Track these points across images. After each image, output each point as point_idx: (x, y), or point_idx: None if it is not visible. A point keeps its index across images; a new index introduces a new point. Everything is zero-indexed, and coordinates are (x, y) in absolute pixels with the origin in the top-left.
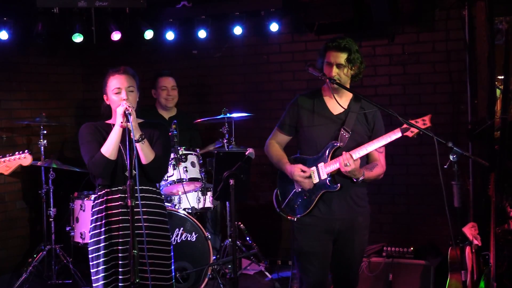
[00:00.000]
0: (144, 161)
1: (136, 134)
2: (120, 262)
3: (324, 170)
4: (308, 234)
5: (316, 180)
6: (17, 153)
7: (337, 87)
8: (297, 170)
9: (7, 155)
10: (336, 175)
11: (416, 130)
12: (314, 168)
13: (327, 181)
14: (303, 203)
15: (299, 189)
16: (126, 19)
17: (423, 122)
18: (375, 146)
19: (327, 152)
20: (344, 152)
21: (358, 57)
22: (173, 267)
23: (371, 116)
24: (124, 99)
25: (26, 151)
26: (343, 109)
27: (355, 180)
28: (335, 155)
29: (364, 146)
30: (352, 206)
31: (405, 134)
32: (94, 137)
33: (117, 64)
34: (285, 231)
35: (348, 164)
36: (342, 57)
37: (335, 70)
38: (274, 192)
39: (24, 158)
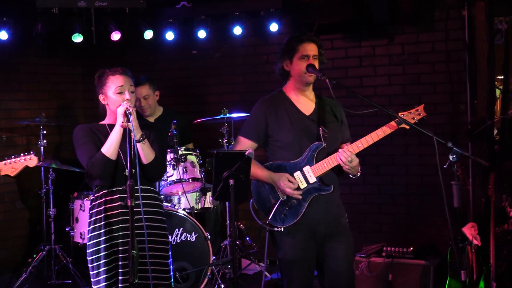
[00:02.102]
0: (144, 161)
1: (137, 134)
2: (120, 263)
3: (312, 173)
4: (293, 242)
5: (304, 185)
6: (22, 154)
7: (312, 82)
8: (285, 181)
9: (12, 156)
10: (324, 177)
11: (412, 121)
12: (298, 172)
13: (317, 184)
14: (292, 211)
15: (285, 197)
16: (125, 19)
17: (418, 113)
18: (370, 140)
19: (312, 153)
20: (341, 150)
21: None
22: (171, 266)
23: (337, 111)
24: (127, 99)
25: (31, 152)
26: (312, 109)
27: (352, 176)
28: (318, 156)
29: (360, 140)
30: (335, 207)
31: (401, 126)
32: (90, 139)
33: (117, 64)
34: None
35: (352, 159)
36: (316, 49)
37: (313, 62)
38: (250, 204)
39: (30, 160)
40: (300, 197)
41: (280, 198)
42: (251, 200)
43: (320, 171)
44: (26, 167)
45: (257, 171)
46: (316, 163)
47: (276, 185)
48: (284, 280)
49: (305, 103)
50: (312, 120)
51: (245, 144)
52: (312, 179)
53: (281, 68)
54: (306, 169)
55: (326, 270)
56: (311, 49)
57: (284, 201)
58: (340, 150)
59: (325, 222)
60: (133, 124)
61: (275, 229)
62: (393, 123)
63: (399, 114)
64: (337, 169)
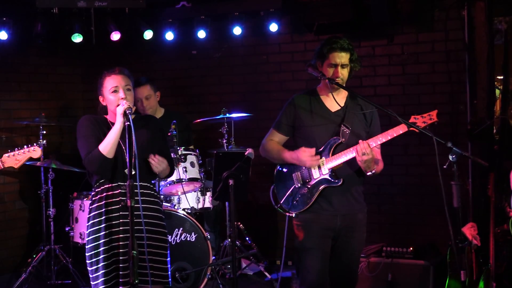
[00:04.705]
0: (161, 176)
1: (159, 167)
2: (120, 258)
3: (326, 165)
4: (310, 231)
5: (316, 175)
6: (25, 146)
7: (334, 89)
8: (302, 151)
9: (16, 149)
10: (337, 171)
11: (422, 125)
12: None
13: (329, 176)
14: (302, 199)
15: (298, 185)
16: (125, 19)
17: (430, 117)
18: (382, 140)
19: (329, 147)
20: (361, 141)
21: (357, 57)
22: (169, 265)
23: (368, 114)
24: (122, 98)
25: (34, 144)
26: (340, 107)
27: (368, 173)
28: (336, 150)
29: (373, 138)
30: (352, 202)
31: (411, 128)
32: (93, 132)
33: (117, 65)
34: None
35: (366, 153)
36: (346, 57)
37: (340, 71)
38: (270, 189)
39: (34, 151)
40: (319, 162)
41: (294, 185)
42: (272, 186)
43: (333, 163)
44: (30, 159)
45: (285, 153)
46: (331, 157)
47: (298, 158)
48: (299, 268)
49: (334, 101)
50: (336, 117)
51: (275, 136)
52: (325, 171)
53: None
54: (321, 160)
55: (333, 260)
56: (340, 58)
57: (297, 188)
58: (360, 140)
59: (341, 214)
60: (158, 161)
61: (287, 214)
62: (404, 125)
63: (412, 117)
64: (358, 166)
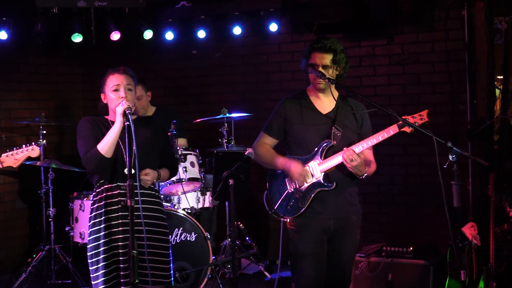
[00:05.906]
0: (162, 181)
1: (147, 183)
2: (121, 259)
3: (318, 168)
4: (304, 236)
5: (309, 179)
6: (24, 146)
7: (325, 87)
8: (295, 166)
9: (14, 148)
10: (330, 174)
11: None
12: (306, 167)
13: (321, 179)
14: (296, 204)
15: (292, 189)
16: (125, 19)
17: (420, 117)
18: (373, 141)
19: (320, 150)
20: (345, 148)
21: (343, 58)
22: (172, 265)
23: (359, 114)
24: (122, 97)
25: (33, 143)
26: (331, 108)
27: (360, 177)
28: (328, 153)
29: (363, 141)
30: (346, 205)
31: (402, 129)
32: (92, 132)
33: (117, 64)
34: (284, 230)
35: (353, 159)
36: (328, 58)
37: (322, 71)
38: (264, 194)
39: (33, 150)
40: (304, 183)
41: (287, 190)
42: (265, 192)
43: (325, 168)
44: (29, 158)
45: (278, 160)
46: (323, 160)
47: (289, 169)
48: (294, 273)
49: (324, 102)
50: (327, 119)
51: (266, 140)
52: (317, 174)
53: (304, 68)
54: (313, 164)
55: (327, 262)
56: (320, 59)
57: (290, 193)
58: (344, 148)
59: (334, 217)
60: (146, 178)
61: (281, 219)
62: (395, 126)
63: (403, 118)
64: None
